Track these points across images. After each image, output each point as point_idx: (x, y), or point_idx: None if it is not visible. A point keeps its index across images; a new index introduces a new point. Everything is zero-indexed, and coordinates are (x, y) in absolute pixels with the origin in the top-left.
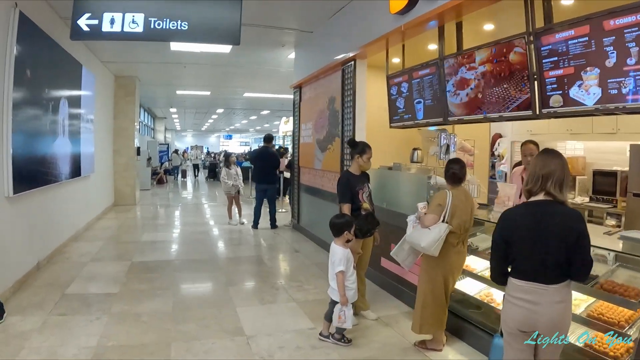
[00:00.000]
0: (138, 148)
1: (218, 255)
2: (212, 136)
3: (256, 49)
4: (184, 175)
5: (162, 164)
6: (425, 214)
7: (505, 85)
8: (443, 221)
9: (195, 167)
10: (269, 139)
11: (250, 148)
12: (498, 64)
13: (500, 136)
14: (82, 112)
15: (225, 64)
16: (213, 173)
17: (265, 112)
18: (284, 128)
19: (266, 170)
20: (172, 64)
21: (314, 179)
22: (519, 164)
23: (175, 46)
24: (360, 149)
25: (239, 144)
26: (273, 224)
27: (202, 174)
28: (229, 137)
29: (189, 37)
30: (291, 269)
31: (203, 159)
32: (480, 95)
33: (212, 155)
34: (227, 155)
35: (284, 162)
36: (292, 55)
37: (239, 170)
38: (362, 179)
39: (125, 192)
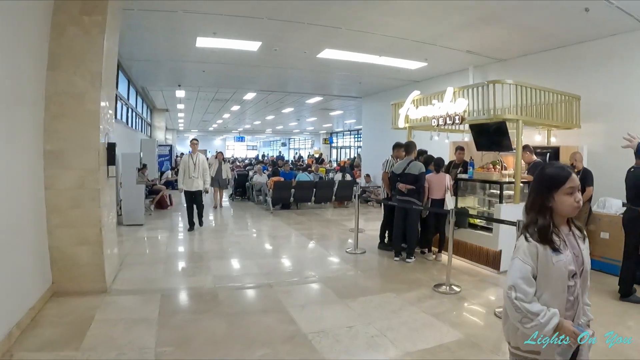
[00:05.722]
0: (111, 146)
1: None
2: (217, 139)
3: None
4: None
5: (162, 173)
6: None
7: None
8: None
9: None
10: None
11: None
12: None
13: None
14: None
15: None
16: (242, 189)
17: (315, 99)
18: (415, 114)
19: None
20: None
21: None
22: None
23: None
24: None
25: (247, 148)
26: None
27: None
28: (241, 139)
29: None
30: None
31: (232, 174)
32: None
33: (239, 162)
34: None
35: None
36: None
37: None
38: None
39: (78, 258)
